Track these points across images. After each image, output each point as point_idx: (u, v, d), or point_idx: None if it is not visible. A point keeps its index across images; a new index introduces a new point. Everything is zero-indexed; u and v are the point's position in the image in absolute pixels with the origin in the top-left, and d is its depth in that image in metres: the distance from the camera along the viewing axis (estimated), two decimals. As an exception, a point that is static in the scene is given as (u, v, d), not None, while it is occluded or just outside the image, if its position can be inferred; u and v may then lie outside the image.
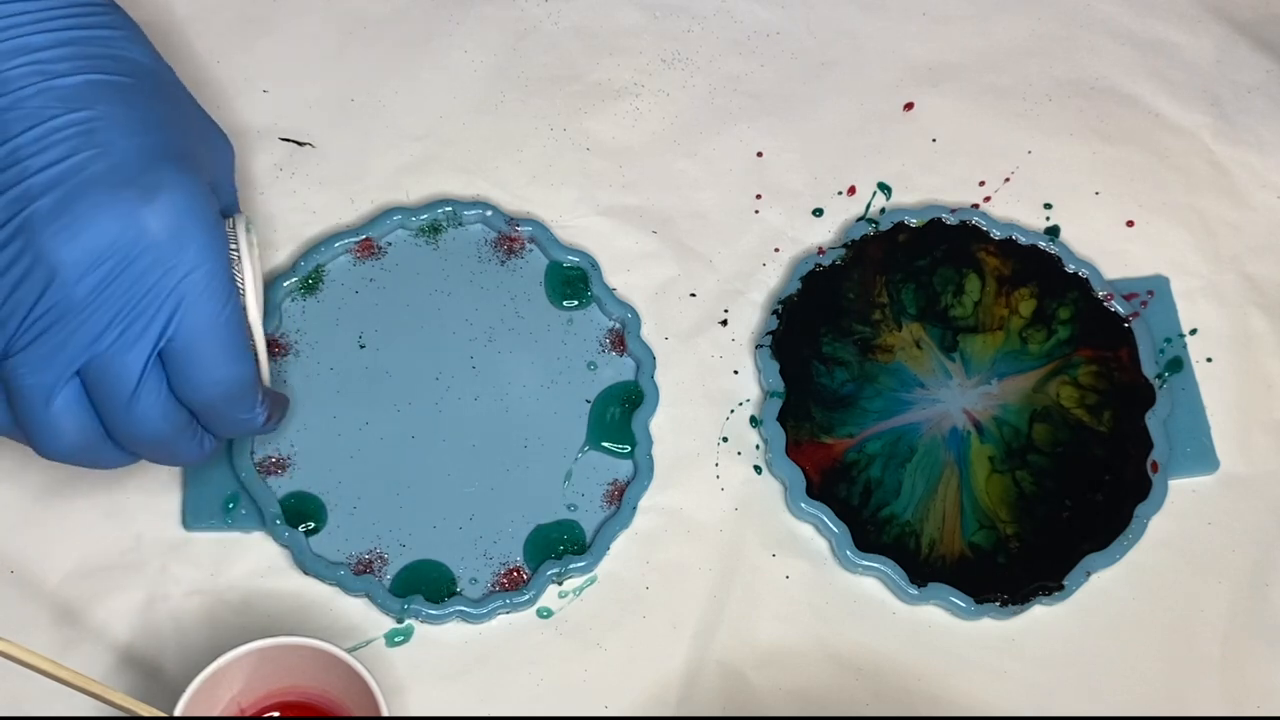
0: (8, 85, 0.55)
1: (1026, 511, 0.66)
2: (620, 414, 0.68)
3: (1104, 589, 0.65)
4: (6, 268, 0.53)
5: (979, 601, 0.64)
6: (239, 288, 0.58)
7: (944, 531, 0.65)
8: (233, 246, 0.58)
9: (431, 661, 0.63)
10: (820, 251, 0.71)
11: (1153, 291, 0.71)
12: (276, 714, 0.60)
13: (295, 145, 0.73)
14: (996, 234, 0.72)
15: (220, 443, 0.60)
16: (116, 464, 0.57)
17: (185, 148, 0.56)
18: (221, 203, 0.60)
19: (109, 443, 0.56)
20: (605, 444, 0.67)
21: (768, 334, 0.69)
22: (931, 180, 0.74)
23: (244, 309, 0.58)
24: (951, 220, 0.72)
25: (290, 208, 0.71)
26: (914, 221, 0.72)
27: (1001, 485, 0.66)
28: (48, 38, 0.56)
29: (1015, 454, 0.67)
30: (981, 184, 0.74)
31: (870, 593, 0.65)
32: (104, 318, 0.53)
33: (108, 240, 0.53)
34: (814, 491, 0.66)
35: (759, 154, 0.74)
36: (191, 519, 0.65)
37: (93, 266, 0.53)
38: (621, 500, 0.66)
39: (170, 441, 0.57)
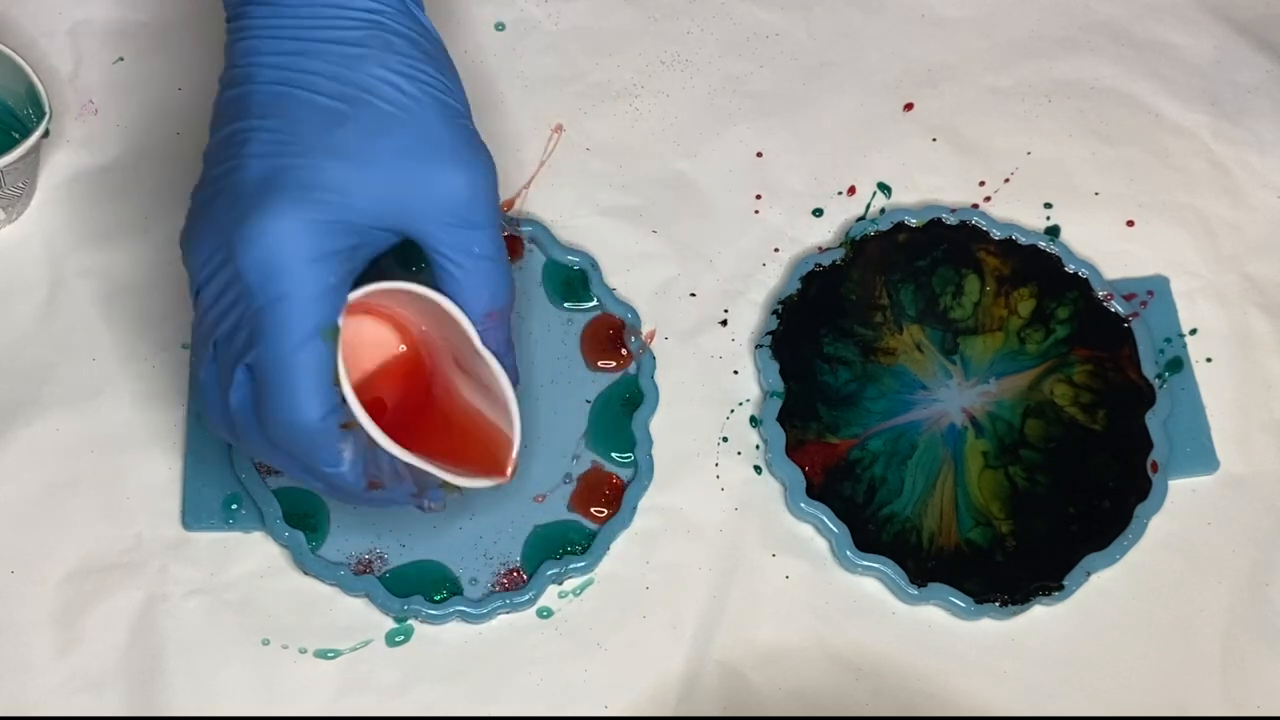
0: (249, 78, 0.57)
1: (1020, 509, 0.66)
2: (620, 414, 0.68)
3: (1104, 589, 0.65)
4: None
5: (979, 601, 0.64)
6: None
7: (942, 527, 0.65)
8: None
9: (431, 661, 0.63)
10: (820, 251, 0.71)
11: (1153, 291, 0.71)
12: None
13: None
14: (996, 234, 0.72)
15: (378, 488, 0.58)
16: (264, 458, 0.58)
17: (324, 178, 0.55)
18: (433, 240, 0.57)
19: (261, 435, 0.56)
20: (610, 454, 0.67)
21: (768, 334, 0.69)
22: (931, 180, 0.74)
23: (335, 372, 0.55)
24: (951, 220, 0.72)
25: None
26: (914, 221, 0.72)
27: (994, 481, 0.66)
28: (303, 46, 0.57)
29: (1008, 449, 0.67)
30: (981, 184, 0.74)
31: (870, 593, 0.65)
32: (221, 328, 0.55)
33: (209, 257, 0.56)
34: (816, 491, 0.66)
35: (759, 154, 0.74)
36: (191, 519, 0.65)
37: (209, 280, 0.56)
38: (621, 500, 0.66)
39: (288, 466, 0.57)
